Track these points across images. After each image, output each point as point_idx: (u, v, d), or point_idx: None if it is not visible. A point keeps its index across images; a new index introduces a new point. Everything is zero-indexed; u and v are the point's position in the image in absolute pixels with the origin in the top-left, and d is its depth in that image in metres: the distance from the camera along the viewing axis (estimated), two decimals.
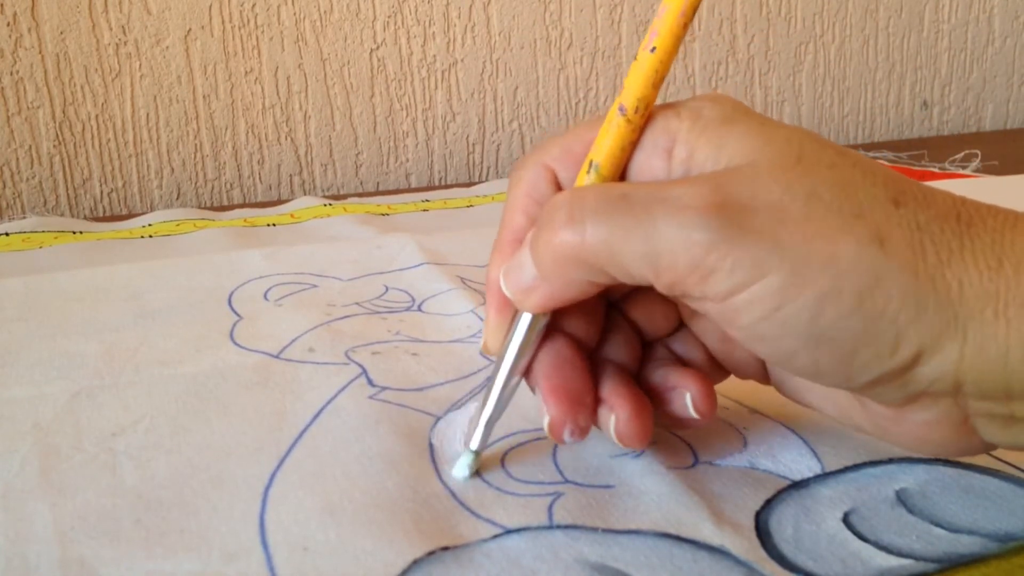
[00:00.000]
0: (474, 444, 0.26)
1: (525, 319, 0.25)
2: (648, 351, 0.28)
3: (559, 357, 0.25)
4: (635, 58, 0.25)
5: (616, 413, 0.25)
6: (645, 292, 0.27)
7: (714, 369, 0.28)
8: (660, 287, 0.23)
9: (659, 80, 0.25)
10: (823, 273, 0.21)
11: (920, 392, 0.22)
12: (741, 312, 0.21)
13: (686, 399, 0.26)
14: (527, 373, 0.26)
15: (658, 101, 0.26)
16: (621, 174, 0.25)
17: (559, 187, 0.26)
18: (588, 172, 0.25)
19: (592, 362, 0.26)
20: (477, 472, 0.26)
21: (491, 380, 0.26)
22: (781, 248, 0.21)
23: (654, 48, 0.25)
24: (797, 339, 0.21)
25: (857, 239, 0.21)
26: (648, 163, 0.25)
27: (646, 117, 0.25)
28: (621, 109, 0.25)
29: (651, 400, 0.26)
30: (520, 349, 0.25)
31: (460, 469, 0.26)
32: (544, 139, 0.27)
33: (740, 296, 0.21)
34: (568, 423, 0.24)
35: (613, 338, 0.27)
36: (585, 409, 0.25)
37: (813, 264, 0.21)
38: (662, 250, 0.22)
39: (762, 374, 0.27)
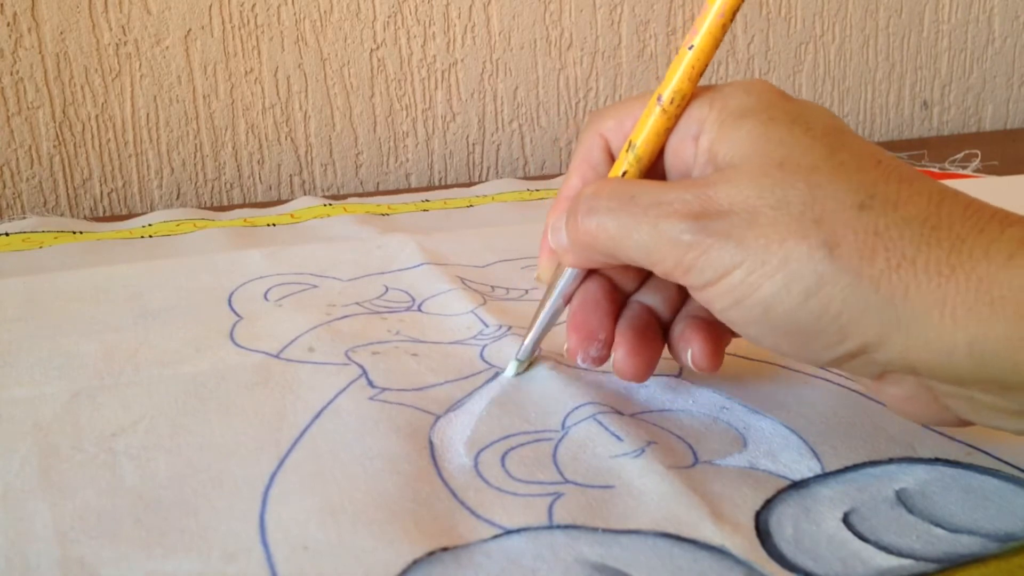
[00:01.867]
0: (522, 355, 0.33)
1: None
2: (688, 300, 0.31)
3: (588, 299, 0.30)
4: (677, 52, 0.28)
5: (616, 350, 0.29)
6: None
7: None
8: (657, 274, 0.26)
9: (696, 75, 0.27)
10: (776, 273, 0.23)
11: (882, 371, 0.24)
12: (714, 300, 0.25)
13: (688, 353, 0.29)
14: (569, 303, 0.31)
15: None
16: (658, 155, 0.29)
17: (611, 154, 0.30)
18: (628, 151, 0.29)
19: (626, 303, 0.31)
20: (525, 370, 0.33)
21: (540, 305, 0.32)
22: (744, 250, 0.24)
23: (692, 46, 0.27)
24: (758, 326, 0.25)
25: (809, 244, 0.23)
26: (680, 147, 0.28)
27: (682, 107, 0.28)
28: (659, 99, 0.28)
29: (669, 347, 0.30)
30: (563, 286, 0.31)
31: (508, 371, 0.33)
32: (605, 107, 0.31)
33: (712, 288, 0.25)
34: (580, 352, 0.30)
35: (652, 284, 0.31)
36: (598, 343, 0.30)
37: (768, 265, 0.23)
38: (653, 248, 0.25)
39: None
